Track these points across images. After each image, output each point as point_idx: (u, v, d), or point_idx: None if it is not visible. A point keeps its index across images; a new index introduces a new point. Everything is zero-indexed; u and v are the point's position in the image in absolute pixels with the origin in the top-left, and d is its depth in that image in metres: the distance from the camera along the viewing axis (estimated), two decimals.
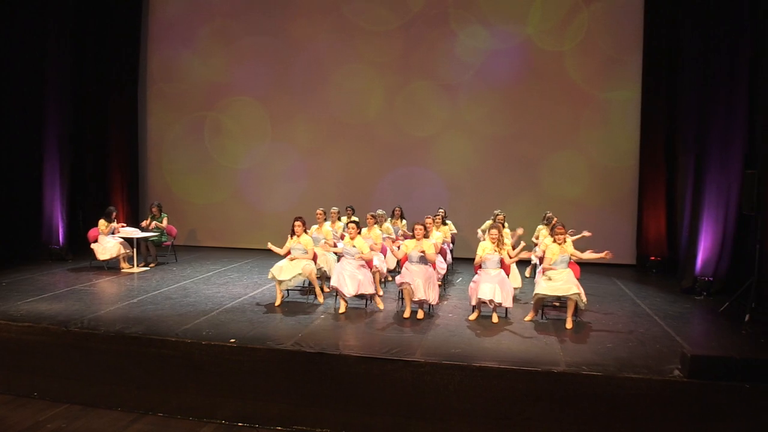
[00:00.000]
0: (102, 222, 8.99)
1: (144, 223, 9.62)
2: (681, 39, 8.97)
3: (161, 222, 9.62)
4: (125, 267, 9.02)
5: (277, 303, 7.02)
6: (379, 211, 8.82)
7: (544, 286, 6.31)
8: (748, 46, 7.45)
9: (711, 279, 7.78)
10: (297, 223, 7.17)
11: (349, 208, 9.45)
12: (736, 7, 7.54)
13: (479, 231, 8.16)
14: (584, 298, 6.27)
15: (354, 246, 6.83)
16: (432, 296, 6.53)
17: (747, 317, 6.34)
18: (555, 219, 8.00)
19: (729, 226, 7.73)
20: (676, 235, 9.27)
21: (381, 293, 7.46)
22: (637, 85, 9.75)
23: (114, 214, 9.22)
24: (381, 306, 6.99)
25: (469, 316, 6.58)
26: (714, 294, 7.66)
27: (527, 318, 6.54)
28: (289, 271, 6.98)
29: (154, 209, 9.72)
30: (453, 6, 10.39)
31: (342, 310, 6.75)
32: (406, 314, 6.54)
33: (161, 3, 11.56)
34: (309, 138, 11.16)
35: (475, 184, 10.56)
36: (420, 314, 6.54)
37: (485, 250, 6.55)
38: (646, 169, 9.67)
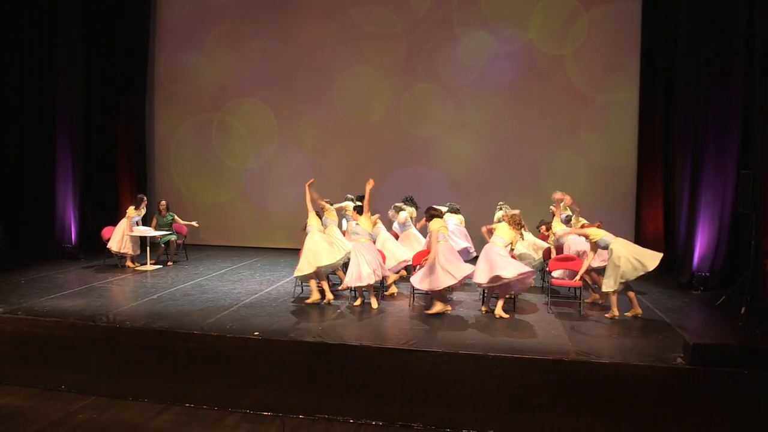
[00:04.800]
0: (131, 209, 9.19)
1: (153, 224, 9.75)
2: (677, 42, 9.29)
3: (171, 220, 9.77)
4: (131, 266, 9.15)
5: (315, 298, 7.12)
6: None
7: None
8: (742, 49, 7.74)
9: (707, 274, 8.12)
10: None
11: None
12: (732, 11, 7.85)
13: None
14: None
15: (358, 224, 7.09)
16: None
17: (743, 310, 6.64)
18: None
19: (724, 224, 8.06)
20: (673, 233, 9.59)
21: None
22: (635, 88, 10.05)
23: (144, 202, 9.38)
24: (374, 305, 6.97)
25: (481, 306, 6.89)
26: (710, 288, 7.98)
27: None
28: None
29: (161, 206, 9.80)
30: (456, 10, 10.66)
31: (357, 303, 6.97)
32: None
33: (169, 6, 11.76)
34: (315, 139, 11.40)
35: (476, 184, 10.82)
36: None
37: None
38: (644, 170, 9.98)
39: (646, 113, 9.94)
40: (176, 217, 9.87)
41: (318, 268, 7.04)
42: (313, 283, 7.15)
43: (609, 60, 10.23)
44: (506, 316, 6.58)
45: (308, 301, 7.11)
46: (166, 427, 5.31)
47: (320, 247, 7.10)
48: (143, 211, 9.39)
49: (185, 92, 11.77)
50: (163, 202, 9.90)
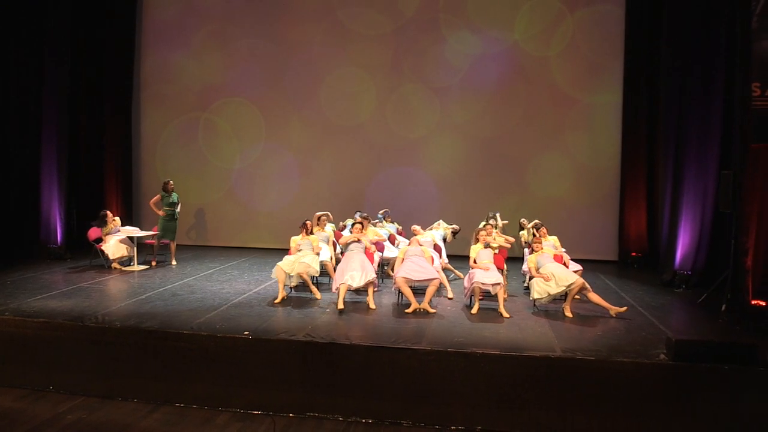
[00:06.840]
0: (103, 230, 9.17)
1: (154, 200, 9.54)
2: (660, 45, 9.45)
3: (176, 201, 9.55)
4: (117, 267, 9.05)
5: (279, 300, 7.21)
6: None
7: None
8: (723, 52, 7.92)
9: (689, 273, 8.30)
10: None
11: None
12: (713, 15, 8.01)
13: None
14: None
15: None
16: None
17: (723, 307, 6.80)
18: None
19: (706, 223, 8.24)
20: (656, 232, 9.78)
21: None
22: (618, 90, 10.24)
23: (108, 216, 9.28)
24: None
25: (471, 309, 6.90)
26: (692, 287, 8.16)
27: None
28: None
29: (170, 186, 9.54)
30: (443, 12, 10.76)
31: (340, 306, 6.79)
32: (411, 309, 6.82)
33: (156, 6, 11.72)
34: (302, 139, 11.43)
35: (463, 184, 10.94)
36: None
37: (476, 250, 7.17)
38: (628, 170, 10.15)
39: (630, 114, 10.13)
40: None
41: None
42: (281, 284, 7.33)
43: (593, 62, 10.39)
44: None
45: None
46: (156, 426, 5.32)
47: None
48: (117, 221, 9.34)
49: (172, 92, 11.74)
50: (171, 183, 9.64)
